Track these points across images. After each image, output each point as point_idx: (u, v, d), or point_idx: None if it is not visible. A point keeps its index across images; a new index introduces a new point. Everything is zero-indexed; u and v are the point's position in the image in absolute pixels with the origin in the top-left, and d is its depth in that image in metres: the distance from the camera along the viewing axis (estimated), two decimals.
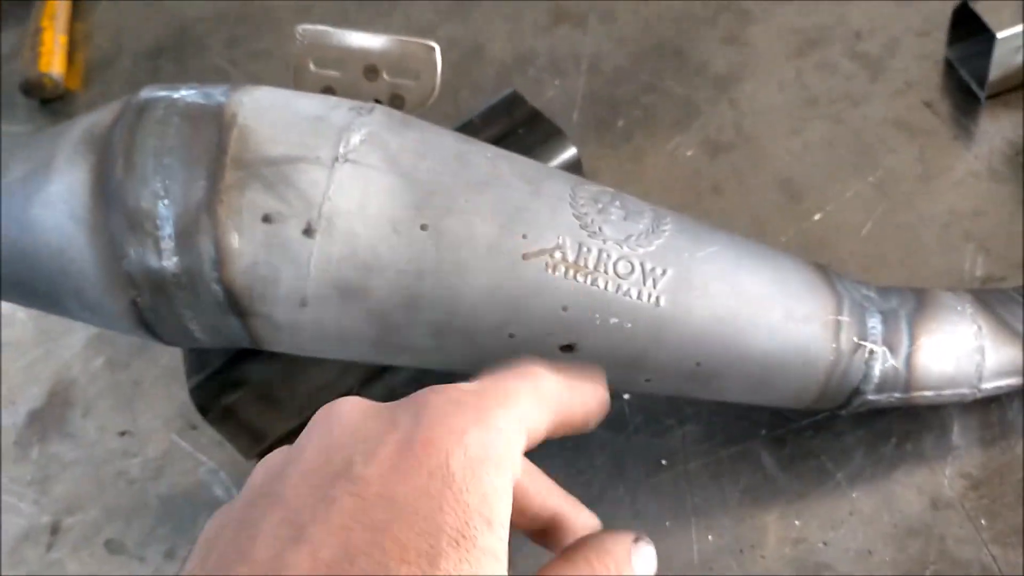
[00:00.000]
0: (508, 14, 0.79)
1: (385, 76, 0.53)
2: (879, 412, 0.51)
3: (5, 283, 0.47)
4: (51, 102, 0.88)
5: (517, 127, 0.60)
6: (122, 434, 0.63)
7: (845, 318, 0.46)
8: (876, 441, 0.52)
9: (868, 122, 0.64)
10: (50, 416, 0.65)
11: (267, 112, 0.45)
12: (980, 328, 0.48)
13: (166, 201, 0.43)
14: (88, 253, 0.44)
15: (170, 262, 0.44)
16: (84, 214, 0.44)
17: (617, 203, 0.47)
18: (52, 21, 0.92)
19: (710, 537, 0.51)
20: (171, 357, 0.66)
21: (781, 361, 0.46)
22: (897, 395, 0.48)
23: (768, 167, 0.64)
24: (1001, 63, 0.61)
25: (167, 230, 0.43)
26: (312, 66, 0.53)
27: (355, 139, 0.45)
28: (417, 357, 0.47)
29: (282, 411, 0.58)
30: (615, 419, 0.55)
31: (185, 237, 0.43)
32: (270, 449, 0.59)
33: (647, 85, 0.71)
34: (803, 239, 0.60)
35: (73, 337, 0.68)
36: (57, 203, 0.44)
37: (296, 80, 0.53)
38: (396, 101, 0.54)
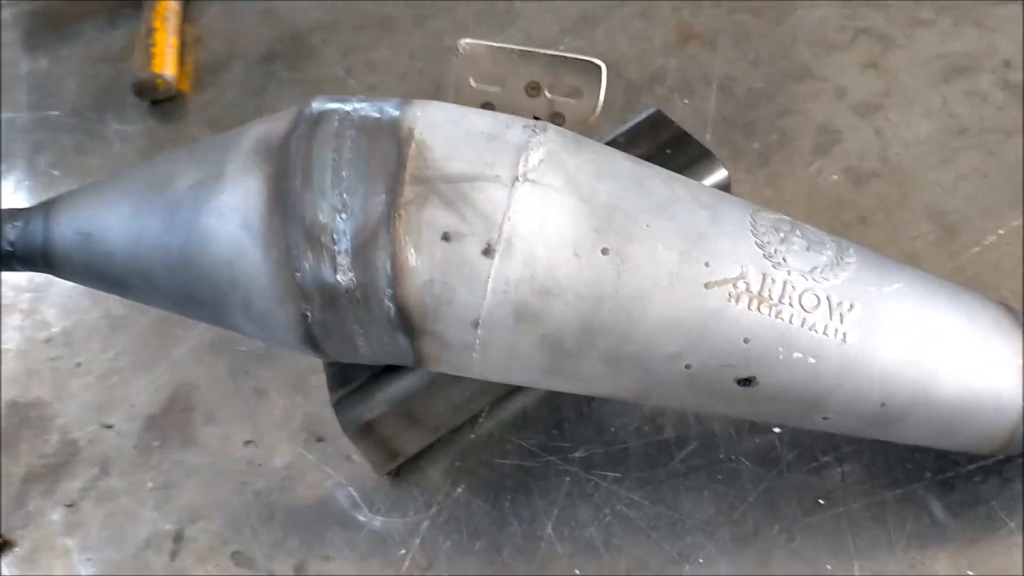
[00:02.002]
0: (635, 31, 0.78)
1: (547, 93, 0.52)
2: None
3: (170, 293, 0.46)
4: (162, 103, 0.88)
5: (664, 147, 0.59)
6: (247, 443, 0.62)
7: None
8: None
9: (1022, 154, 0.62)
10: (171, 422, 0.65)
11: (442, 128, 0.44)
12: None
13: (344, 215, 0.42)
14: (261, 265, 0.43)
15: (345, 276, 0.43)
16: (259, 225, 0.43)
17: (798, 232, 0.45)
18: (164, 23, 0.92)
19: None
20: (293, 365, 0.65)
21: (971, 407, 0.44)
22: None
23: (918, 198, 0.62)
24: None
25: (344, 244, 0.42)
26: (472, 81, 0.52)
27: (534, 158, 0.43)
28: (587, 385, 0.46)
29: (419, 429, 0.57)
30: (766, 453, 0.54)
31: (362, 252, 0.42)
32: (403, 467, 0.59)
33: (783, 108, 0.69)
34: (960, 276, 0.58)
35: (191, 342, 0.68)
36: (230, 213, 0.43)
37: (456, 95, 0.52)
38: (556, 119, 0.52)
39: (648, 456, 0.55)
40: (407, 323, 0.43)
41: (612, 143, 0.60)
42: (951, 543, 0.49)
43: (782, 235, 0.45)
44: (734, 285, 0.43)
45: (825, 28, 0.73)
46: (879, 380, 0.44)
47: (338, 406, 0.53)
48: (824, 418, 0.45)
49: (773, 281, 0.43)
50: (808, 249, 0.45)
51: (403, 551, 0.55)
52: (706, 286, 0.43)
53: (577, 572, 0.52)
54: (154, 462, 0.63)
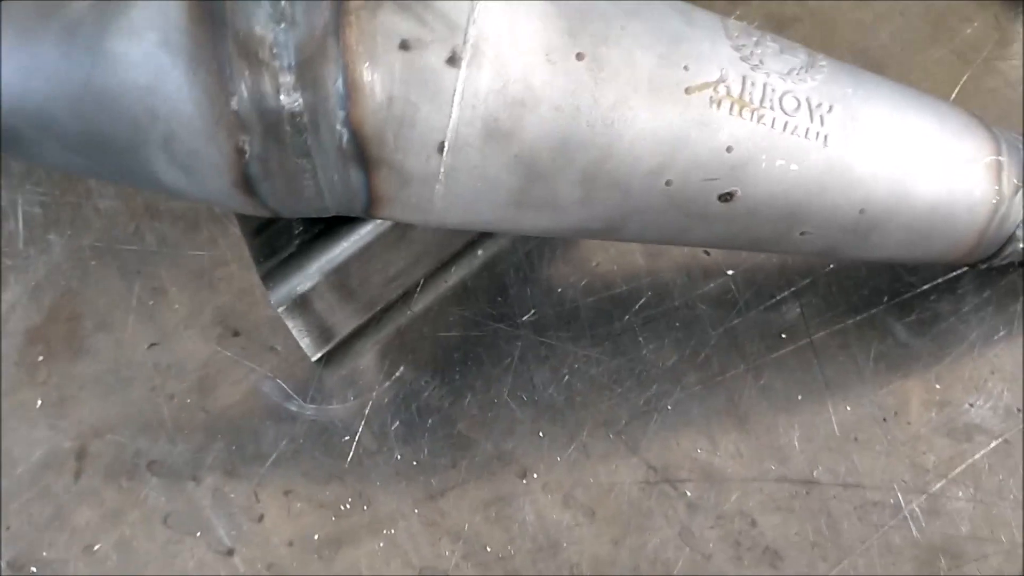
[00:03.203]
0: None
1: None
2: (998, 272, 0.49)
3: (72, 139, 0.39)
4: None
5: None
6: (151, 347, 0.55)
7: (1004, 158, 0.44)
8: (1003, 300, 0.50)
9: None
10: (56, 333, 0.57)
11: None
12: None
13: (284, 25, 0.36)
14: (186, 90, 0.37)
15: (289, 98, 0.37)
16: (181, 41, 0.36)
17: (769, 37, 0.43)
18: None
19: (848, 407, 0.48)
20: (193, 260, 0.58)
21: (947, 206, 0.43)
22: None
23: (840, 39, 0.61)
24: None
25: (286, 59, 0.36)
26: None
27: None
28: (559, 216, 0.42)
29: (354, 304, 0.51)
30: (722, 296, 0.52)
31: (307, 68, 0.37)
32: (337, 349, 0.53)
33: None
34: None
35: (68, 245, 0.59)
36: (144, 30, 0.37)
37: None
38: None
39: (601, 312, 0.52)
40: (363, 152, 0.38)
41: None
42: (917, 361, 0.49)
43: (755, 39, 0.42)
44: (715, 89, 0.40)
45: None
46: (859, 184, 0.42)
47: (267, 279, 0.47)
48: (802, 233, 0.44)
49: (753, 84, 0.41)
50: (782, 52, 0.42)
51: (347, 437, 0.50)
52: (687, 91, 0.40)
53: (542, 434, 0.49)
54: (41, 377, 0.55)
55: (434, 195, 0.40)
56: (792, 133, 0.41)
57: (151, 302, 0.57)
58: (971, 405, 0.47)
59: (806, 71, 0.42)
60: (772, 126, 0.41)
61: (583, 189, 0.41)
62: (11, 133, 0.39)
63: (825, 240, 0.45)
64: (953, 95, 0.58)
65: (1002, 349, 0.48)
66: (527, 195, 0.41)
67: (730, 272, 0.52)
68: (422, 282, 0.54)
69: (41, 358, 0.55)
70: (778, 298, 0.51)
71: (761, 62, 0.41)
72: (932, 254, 0.46)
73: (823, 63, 0.43)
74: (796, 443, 0.47)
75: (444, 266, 0.54)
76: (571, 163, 0.40)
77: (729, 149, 0.40)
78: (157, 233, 0.59)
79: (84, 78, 0.37)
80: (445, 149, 0.38)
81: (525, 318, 0.52)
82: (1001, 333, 0.49)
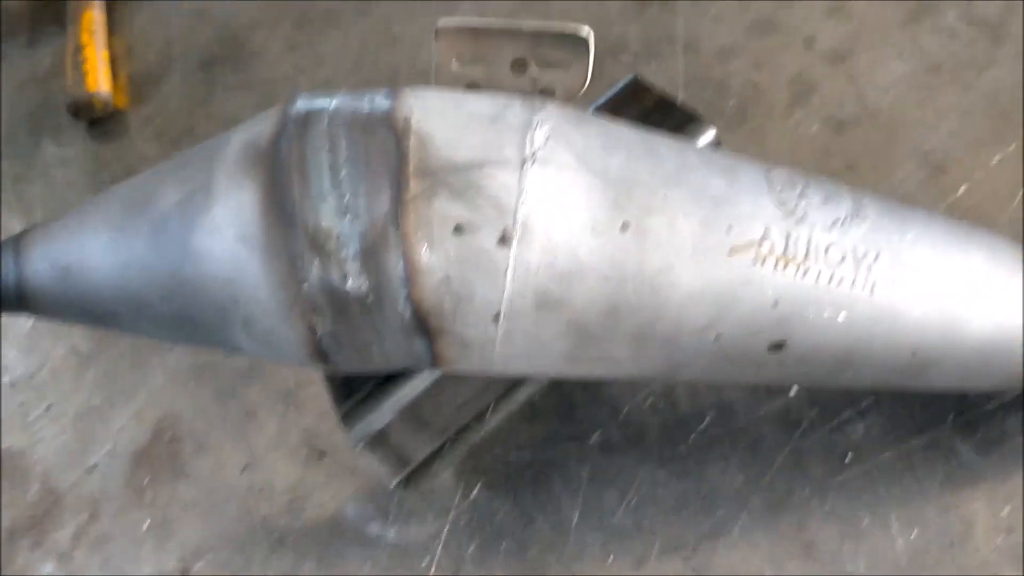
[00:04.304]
0: (588, 2, 0.76)
1: (533, 69, 0.49)
2: None
3: (164, 320, 0.43)
4: (100, 122, 0.83)
5: (648, 115, 0.57)
6: (244, 468, 0.59)
7: None
8: None
9: (1000, 86, 0.62)
10: (159, 455, 0.61)
11: (440, 114, 0.42)
12: None
13: (348, 217, 0.40)
14: (262, 279, 0.40)
15: (355, 283, 0.40)
16: (257, 236, 0.40)
17: (813, 186, 0.44)
18: (92, 37, 0.87)
19: (914, 534, 0.48)
20: (281, 380, 0.62)
21: (999, 343, 0.44)
22: None
23: (901, 140, 0.61)
24: None
25: (351, 248, 0.40)
26: (455, 64, 0.49)
27: (539, 137, 0.41)
28: (611, 368, 0.44)
29: (428, 432, 0.54)
30: (785, 416, 0.53)
31: (372, 254, 0.40)
32: (414, 473, 0.56)
33: (753, 62, 0.68)
34: (953, 213, 0.58)
35: (169, 369, 0.64)
36: (224, 228, 0.40)
37: (437, 79, 0.50)
38: (545, 95, 0.50)
39: (666, 432, 0.54)
40: (424, 325, 0.41)
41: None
42: (983, 482, 0.49)
43: (799, 191, 0.44)
44: (759, 247, 0.42)
45: None
46: (909, 329, 0.43)
47: (346, 419, 0.50)
48: (855, 374, 0.44)
49: (797, 239, 0.42)
50: (826, 203, 0.43)
51: (426, 560, 0.53)
52: (730, 252, 0.42)
53: (611, 559, 0.51)
54: (147, 499, 0.59)
55: (493, 356, 0.43)
56: (838, 284, 0.42)
57: (244, 423, 0.61)
58: None
59: (851, 220, 0.43)
60: (817, 279, 0.42)
61: (634, 347, 0.43)
62: (111, 314, 0.43)
63: (879, 379, 0.45)
64: (1017, 198, 0.57)
65: None
66: (581, 353, 0.43)
67: (793, 392, 0.53)
68: (493, 403, 0.57)
69: (147, 480, 0.60)
70: (842, 417, 0.52)
71: (805, 215, 0.42)
72: (989, 385, 0.46)
73: (868, 208, 0.44)
74: (863, 571, 0.48)
75: (514, 386, 0.57)
76: (621, 326, 0.42)
77: (775, 304, 0.42)
78: None
79: (173, 270, 0.41)
80: (500, 318, 0.41)
81: (593, 438, 0.54)
82: None
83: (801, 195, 0.43)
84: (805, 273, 0.42)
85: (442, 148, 0.41)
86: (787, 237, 0.42)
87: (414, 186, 0.40)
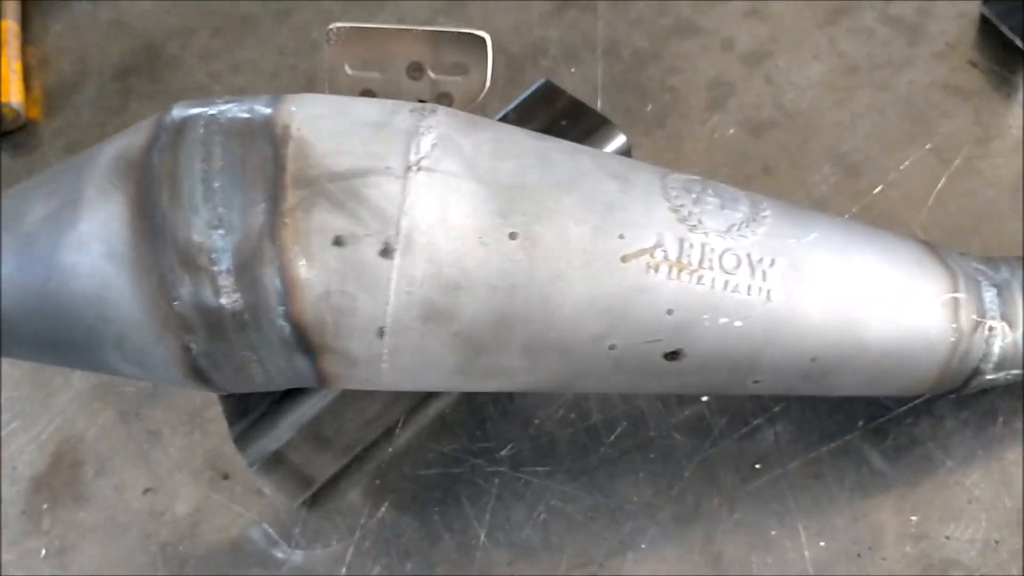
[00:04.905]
0: (510, 4, 0.74)
1: (430, 73, 0.48)
2: (984, 391, 0.48)
3: (34, 342, 0.41)
4: (11, 134, 0.80)
5: (558, 119, 0.56)
6: (146, 491, 0.57)
7: (962, 295, 0.43)
8: (982, 422, 0.49)
9: (915, 87, 0.62)
10: (60, 480, 0.59)
11: (322, 121, 0.40)
12: None
13: (221, 231, 0.38)
14: (132, 297, 0.38)
15: (229, 299, 0.38)
16: (125, 252, 0.38)
17: (710, 191, 0.43)
18: (4, 47, 0.84)
19: (822, 543, 0.47)
20: (187, 401, 0.60)
21: (902, 348, 0.43)
22: (1016, 372, 0.45)
23: (818, 142, 0.61)
24: None
25: (224, 263, 0.38)
26: (348, 69, 0.48)
27: (426, 144, 0.40)
28: (506, 381, 0.43)
29: (331, 451, 0.53)
30: (697, 424, 0.52)
31: (245, 270, 0.38)
32: (319, 493, 0.54)
33: (671, 66, 0.67)
34: (867, 215, 0.57)
35: (72, 390, 0.62)
36: (91, 243, 0.39)
37: (331, 85, 0.48)
38: (443, 100, 0.49)
39: (577, 444, 0.52)
40: (305, 342, 0.40)
41: (503, 121, 0.57)
42: (892, 489, 0.48)
43: (695, 196, 0.43)
44: (652, 255, 0.41)
45: None
46: (808, 334, 0.42)
47: (240, 440, 0.48)
48: (756, 381, 0.44)
49: (691, 245, 0.41)
50: (723, 207, 0.42)
51: None
52: (623, 259, 0.40)
53: None
54: (45, 526, 0.57)
55: (381, 372, 0.41)
56: (734, 291, 0.41)
57: (147, 445, 0.59)
58: (948, 538, 0.46)
59: (747, 225, 0.42)
60: (712, 286, 0.41)
61: (528, 359, 0.41)
62: None
63: (780, 386, 0.45)
64: (931, 199, 0.57)
65: (980, 475, 0.47)
66: (472, 366, 0.41)
67: (705, 399, 0.52)
68: (403, 419, 0.55)
69: (45, 506, 0.57)
70: (753, 425, 0.51)
71: (700, 222, 0.41)
72: (894, 390, 0.46)
73: (767, 213, 0.43)
74: None
75: (424, 401, 0.55)
76: (512, 337, 0.40)
77: (670, 312, 0.41)
78: None
79: (40, 289, 0.39)
80: (385, 333, 0.39)
81: (503, 452, 0.53)
82: (979, 458, 0.48)
83: (697, 200, 0.42)
84: (699, 280, 0.41)
85: (323, 156, 0.39)
86: (681, 243, 0.41)
87: (291, 197, 0.38)
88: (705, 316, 0.41)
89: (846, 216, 0.57)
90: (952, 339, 0.43)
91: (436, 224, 0.39)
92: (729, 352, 0.42)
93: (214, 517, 0.55)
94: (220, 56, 0.79)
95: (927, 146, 0.59)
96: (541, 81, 0.58)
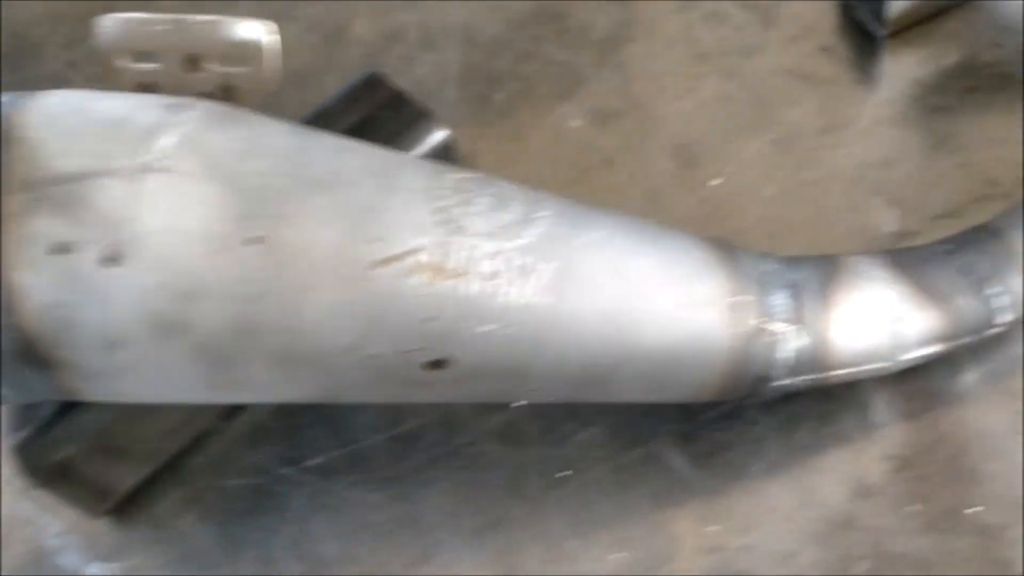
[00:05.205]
0: None
1: (213, 65, 0.46)
2: (793, 395, 0.46)
3: None
4: None
5: (380, 111, 0.54)
6: None
7: (744, 298, 0.41)
8: (792, 427, 0.47)
9: (763, 74, 0.59)
10: None
11: (61, 120, 0.38)
12: (897, 293, 0.43)
13: None
14: None
15: None
16: None
17: (485, 190, 0.41)
18: None
19: (620, 553, 0.45)
20: None
21: (677, 354, 0.41)
22: (811, 377, 0.43)
23: (661, 133, 0.59)
24: None
25: None
26: (128, 62, 0.45)
27: (164, 143, 0.38)
28: (264, 392, 0.41)
29: (130, 461, 0.51)
30: (507, 430, 0.50)
31: None
32: (121, 504, 0.52)
33: (526, 53, 0.65)
34: (703, 209, 0.55)
35: None
36: None
37: (107, 81, 0.46)
38: (229, 93, 0.46)
39: (389, 452, 0.50)
40: (34, 355, 0.37)
41: (325, 112, 0.54)
42: (696, 497, 0.46)
43: (463, 196, 0.40)
44: (408, 260, 0.38)
45: None
46: (579, 340, 0.40)
47: (20, 451, 0.46)
48: (532, 389, 0.42)
49: (454, 250, 0.39)
50: (495, 209, 0.40)
51: None
52: (377, 265, 0.38)
53: None
54: None
55: (124, 386, 0.39)
56: (499, 297, 0.39)
57: None
58: (744, 549, 0.44)
59: (519, 226, 0.40)
60: (475, 292, 0.39)
61: (279, 370, 0.39)
62: None
63: (559, 393, 0.43)
64: (768, 192, 0.55)
65: (783, 484, 0.46)
66: (221, 379, 0.39)
67: (516, 405, 0.50)
68: (214, 425, 0.53)
69: None
70: (564, 430, 0.49)
71: (465, 225, 0.39)
72: (679, 397, 0.44)
73: (544, 213, 0.41)
74: None
75: (239, 407, 0.53)
76: (258, 348, 0.38)
77: (430, 320, 0.39)
78: None
79: None
80: (116, 347, 0.37)
81: (314, 461, 0.51)
82: (784, 465, 0.46)
83: (466, 202, 0.40)
84: (461, 286, 0.39)
85: (52, 158, 0.37)
86: (443, 248, 0.39)
87: (11, 203, 0.36)
88: (468, 324, 0.39)
89: (680, 211, 0.55)
90: (732, 344, 0.41)
91: (168, 230, 0.37)
92: (497, 360, 0.40)
93: (19, 529, 0.52)
94: (81, 44, 0.76)
95: (770, 136, 0.57)
96: (368, 71, 0.56)
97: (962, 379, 0.47)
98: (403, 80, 0.65)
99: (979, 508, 0.43)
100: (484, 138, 0.62)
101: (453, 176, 0.41)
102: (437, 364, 0.40)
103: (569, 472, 0.48)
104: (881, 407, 0.47)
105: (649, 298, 0.41)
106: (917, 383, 0.47)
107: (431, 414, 0.51)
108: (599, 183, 0.58)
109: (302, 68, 0.68)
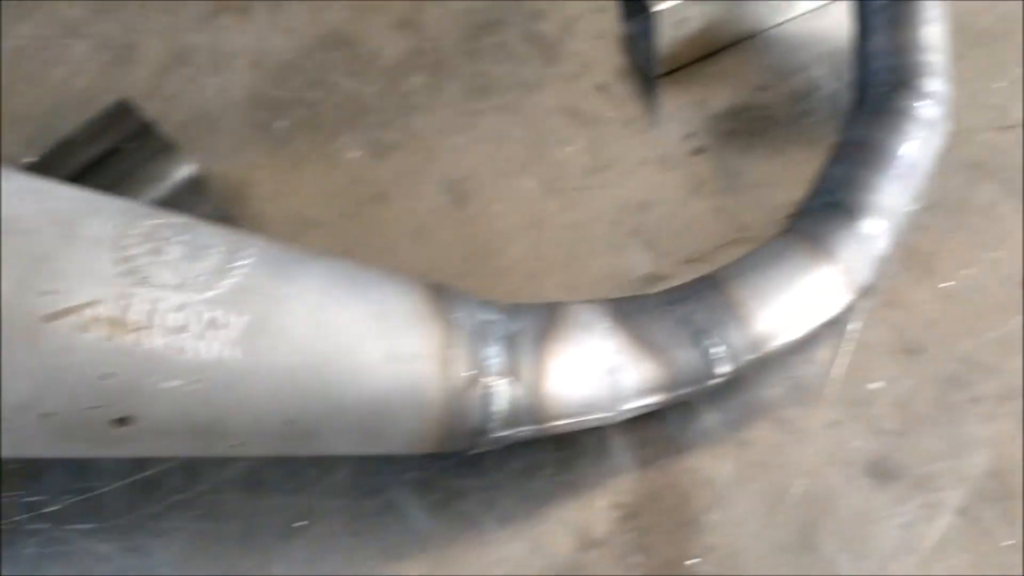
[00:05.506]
0: (167, 5, 0.69)
1: None
2: (532, 441, 0.46)
3: None
4: None
5: (125, 142, 0.52)
6: None
7: (457, 350, 0.41)
8: (529, 474, 0.47)
9: (541, 111, 0.59)
10: None
11: None
12: (615, 344, 0.43)
13: None
14: None
15: None
16: None
17: (181, 238, 0.39)
18: None
19: None
20: None
21: (387, 407, 0.40)
22: (530, 428, 0.43)
23: (436, 167, 0.58)
24: (666, 39, 0.56)
25: None
26: None
27: None
28: None
29: None
30: (250, 477, 0.48)
31: None
32: None
33: (313, 80, 0.63)
34: (468, 247, 0.54)
35: None
36: None
37: None
38: None
39: (127, 498, 0.48)
40: None
41: (67, 142, 0.52)
42: (428, 548, 0.45)
43: (156, 245, 0.39)
44: (85, 313, 0.37)
45: None
46: (277, 395, 0.39)
47: None
48: (232, 445, 0.40)
49: (136, 303, 0.37)
50: (188, 258, 0.39)
51: None
52: (49, 318, 0.36)
53: None
54: None
55: None
56: (185, 351, 0.37)
57: None
58: None
59: (214, 276, 0.39)
60: (160, 346, 0.37)
61: None
62: None
63: (264, 449, 0.41)
64: (532, 231, 0.54)
65: (514, 532, 0.45)
66: None
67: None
68: None
69: None
70: (307, 477, 0.48)
71: (151, 276, 0.38)
72: (396, 450, 0.43)
73: (245, 261, 0.39)
74: None
75: None
76: None
77: (107, 376, 0.37)
78: None
79: None
80: None
81: (50, 508, 0.49)
82: (518, 515, 0.45)
83: (156, 251, 0.38)
84: (143, 341, 0.37)
85: None
86: (124, 300, 0.37)
87: None
88: (151, 380, 0.37)
89: (447, 249, 0.54)
90: (442, 397, 0.40)
91: None
92: (188, 417, 0.38)
93: None
94: None
95: (540, 174, 0.56)
96: (115, 100, 0.54)
97: (696, 426, 0.47)
98: (187, 103, 0.63)
99: (697, 560, 0.44)
100: (261, 167, 0.60)
101: (149, 223, 0.39)
102: (122, 421, 0.38)
103: (305, 522, 0.47)
104: (617, 454, 0.47)
105: (354, 351, 0.40)
106: (653, 429, 0.47)
107: (176, 460, 0.49)
108: (371, 217, 0.57)
109: (88, 87, 0.66)
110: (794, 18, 0.59)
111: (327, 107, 0.62)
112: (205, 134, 0.62)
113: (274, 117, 0.62)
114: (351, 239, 0.56)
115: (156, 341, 0.37)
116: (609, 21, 0.61)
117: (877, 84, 0.49)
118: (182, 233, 0.40)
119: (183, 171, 0.51)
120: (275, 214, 0.57)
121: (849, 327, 0.49)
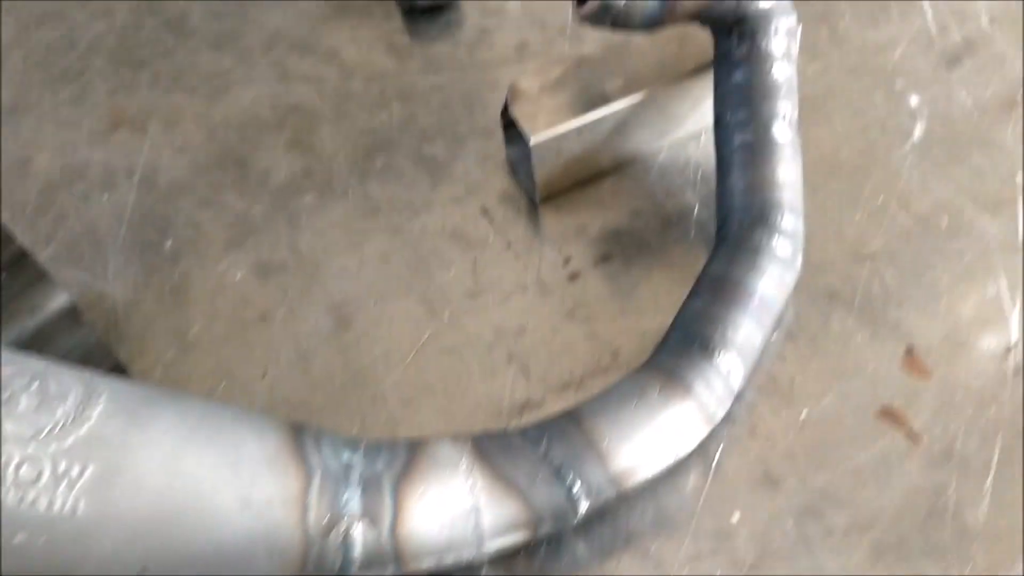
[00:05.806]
0: (64, 118, 0.70)
1: None
2: None
3: None
4: None
5: (2, 270, 0.52)
6: None
7: (313, 496, 0.41)
8: None
9: (426, 234, 0.60)
10: None
11: None
12: (475, 483, 0.44)
13: None
14: None
15: None
16: None
17: (34, 386, 0.39)
18: None
19: None
20: None
21: (241, 556, 0.40)
22: (392, 570, 0.43)
23: (321, 289, 0.59)
24: (545, 166, 0.58)
25: None
26: None
27: None
28: None
29: None
30: None
31: None
32: None
33: (203, 199, 0.64)
34: (348, 372, 0.55)
35: None
36: None
37: None
38: None
39: None
40: None
41: None
42: None
43: (7, 394, 0.39)
44: None
45: (258, 106, 0.68)
46: (131, 547, 0.38)
47: None
48: None
49: None
50: (39, 407, 0.39)
51: None
52: None
53: None
54: None
55: None
56: (32, 505, 0.37)
57: None
58: None
59: (65, 427, 0.38)
60: (10, 501, 0.37)
61: None
62: None
63: None
64: (411, 356, 0.55)
65: None
66: None
67: None
68: None
69: None
70: None
71: (2, 430, 0.37)
72: None
73: (95, 411, 0.39)
74: None
75: None
76: None
77: None
78: None
79: None
80: None
81: None
82: None
83: (8, 400, 0.38)
84: None
85: None
86: None
87: None
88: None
89: (328, 373, 0.55)
90: (300, 545, 0.40)
91: None
92: (38, 570, 0.38)
93: None
94: None
95: (422, 297, 0.58)
96: None
97: (566, 559, 0.48)
98: (76, 221, 0.63)
99: None
100: (147, 287, 0.60)
101: (8, 368, 0.39)
102: None
103: None
104: None
105: (208, 499, 0.40)
106: (522, 563, 0.47)
107: None
108: (253, 339, 0.57)
109: None
110: (670, 144, 0.62)
111: (216, 227, 0.63)
112: (92, 253, 0.62)
113: (163, 237, 0.63)
114: (231, 363, 0.56)
115: (6, 496, 0.37)
116: (496, 144, 0.64)
117: (735, 220, 0.52)
118: (34, 381, 0.39)
119: (57, 302, 0.51)
120: (156, 336, 0.58)
121: (715, 456, 0.50)
